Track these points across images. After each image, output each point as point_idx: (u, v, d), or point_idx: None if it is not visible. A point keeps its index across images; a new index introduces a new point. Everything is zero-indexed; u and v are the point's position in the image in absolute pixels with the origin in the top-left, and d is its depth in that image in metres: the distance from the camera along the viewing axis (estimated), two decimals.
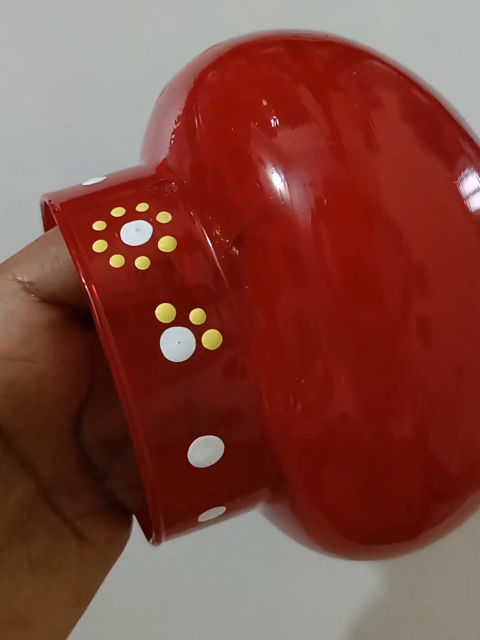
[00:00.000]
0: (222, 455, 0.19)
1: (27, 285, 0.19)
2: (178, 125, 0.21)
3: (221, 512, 0.20)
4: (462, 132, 0.19)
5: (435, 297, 0.18)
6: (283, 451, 0.19)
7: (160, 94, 0.23)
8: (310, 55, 0.20)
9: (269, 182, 0.18)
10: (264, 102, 0.19)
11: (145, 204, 0.19)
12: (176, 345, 0.18)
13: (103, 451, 0.21)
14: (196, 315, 0.18)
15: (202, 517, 0.20)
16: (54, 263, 0.20)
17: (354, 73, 0.19)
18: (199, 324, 0.18)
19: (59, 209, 0.19)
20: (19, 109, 0.35)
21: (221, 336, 0.18)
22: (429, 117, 0.19)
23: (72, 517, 0.21)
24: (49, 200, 0.20)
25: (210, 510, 0.20)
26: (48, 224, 0.23)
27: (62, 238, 0.19)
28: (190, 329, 0.18)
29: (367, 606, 0.36)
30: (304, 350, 0.18)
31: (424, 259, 0.18)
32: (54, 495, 0.21)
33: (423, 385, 0.18)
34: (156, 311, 0.18)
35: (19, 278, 0.20)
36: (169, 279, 0.18)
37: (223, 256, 0.18)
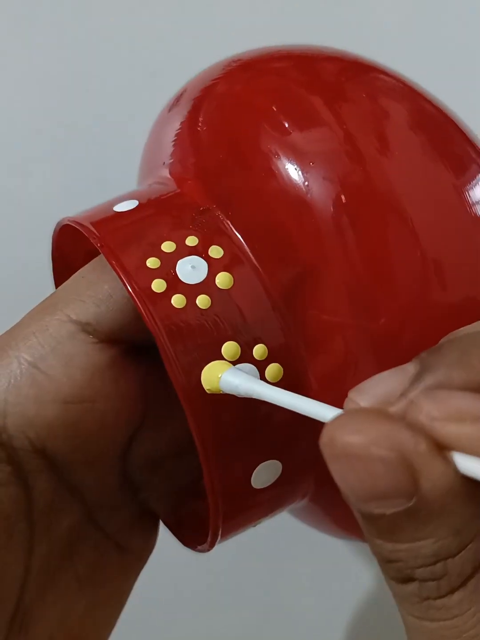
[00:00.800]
0: (279, 477, 0.20)
1: (85, 326, 0.19)
2: (180, 130, 0.21)
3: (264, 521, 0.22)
4: (470, 142, 0.20)
5: (450, 291, 0.19)
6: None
7: (160, 113, 0.23)
8: (318, 68, 0.21)
9: (285, 169, 0.19)
10: (276, 109, 0.20)
11: (194, 237, 0.19)
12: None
13: (145, 468, 0.22)
14: (259, 351, 0.19)
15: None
16: (109, 302, 0.20)
17: (362, 85, 0.20)
18: (262, 359, 0.19)
19: (107, 244, 0.19)
20: (19, 109, 0.34)
21: (282, 369, 0.19)
22: (438, 126, 0.20)
23: (113, 531, 0.22)
24: (91, 231, 0.20)
25: (259, 520, 0.21)
26: (59, 242, 0.23)
27: (111, 273, 0.19)
28: (254, 365, 0.19)
29: (367, 607, 0.37)
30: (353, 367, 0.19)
31: (438, 255, 0.19)
32: (98, 514, 0.21)
33: None
34: (222, 350, 0.18)
35: (75, 319, 0.19)
36: (231, 316, 0.19)
37: (279, 288, 0.19)
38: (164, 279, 0.19)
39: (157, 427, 0.21)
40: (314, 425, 0.19)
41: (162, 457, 0.22)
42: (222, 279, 0.19)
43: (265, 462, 0.19)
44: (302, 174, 0.19)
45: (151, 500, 0.23)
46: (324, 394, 0.19)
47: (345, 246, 0.18)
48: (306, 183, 0.19)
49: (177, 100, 0.23)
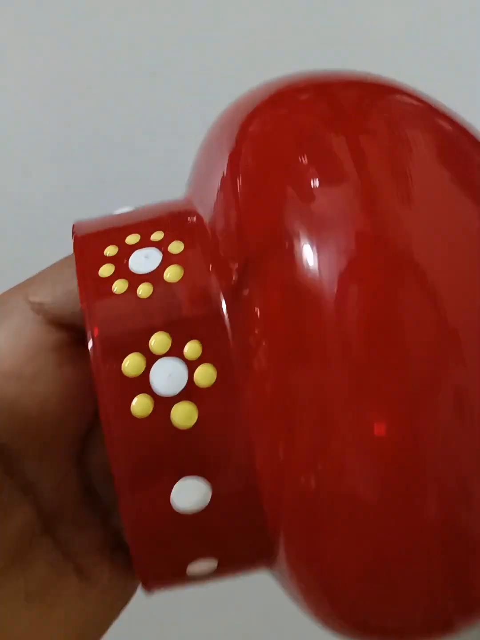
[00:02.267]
0: (209, 503, 0.17)
1: (36, 306, 0.19)
2: (222, 181, 0.20)
3: (213, 567, 0.19)
4: None
5: (471, 366, 0.16)
6: (276, 516, 0.18)
7: (206, 136, 0.23)
8: (340, 99, 0.20)
9: (302, 253, 0.17)
10: (301, 159, 0.18)
11: (161, 232, 0.19)
12: (167, 377, 0.17)
13: (108, 482, 0.20)
14: (192, 348, 0.17)
15: (192, 569, 0.19)
16: (66, 285, 0.19)
17: (383, 112, 0.19)
18: (194, 358, 0.17)
19: (76, 231, 0.19)
20: (19, 108, 0.35)
21: (216, 373, 0.17)
22: (460, 151, 0.18)
23: (74, 553, 0.20)
24: (73, 225, 0.20)
25: (198, 561, 0.19)
26: None
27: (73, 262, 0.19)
28: (184, 362, 0.17)
29: None
30: (311, 419, 0.17)
31: (460, 324, 0.16)
32: (56, 527, 0.20)
33: (455, 465, 0.16)
34: (151, 341, 0.17)
35: (31, 298, 0.20)
36: (168, 308, 0.18)
37: (233, 295, 0.18)
38: (114, 265, 0.18)
39: None
40: (248, 454, 0.17)
41: None
42: (172, 273, 0.18)
43: (187, 478, 0.17)
44: (317, 252, 0.17)
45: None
46: (258, 418, 0.17)
47: (347, 327, 0.16)
48: (319, 265, 0.17)
49: (220, 130, 0.22)
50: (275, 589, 0.34)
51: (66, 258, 0.21)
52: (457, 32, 0.35)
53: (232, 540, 0.18)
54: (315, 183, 0.17)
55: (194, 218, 0.19)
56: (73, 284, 0.19)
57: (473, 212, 0.17)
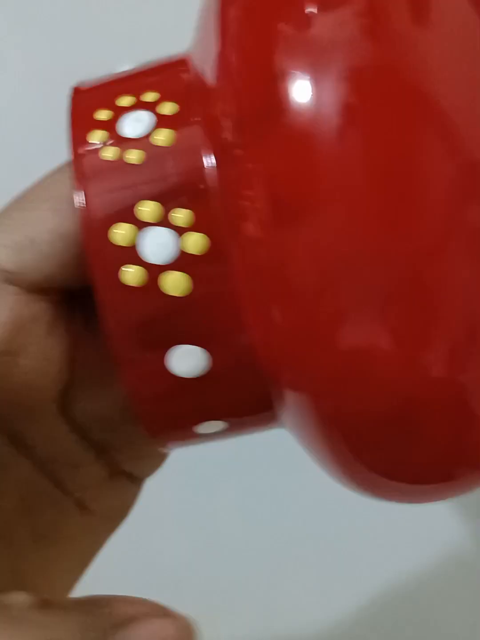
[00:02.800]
0: (209, 369, 0.18)
1: (8, 275, 0.18)
2: (214, 25, 0.18)
3: (222, 427, 0.19)
4: None
5: None
6: (280, 377, 0.18)
7: None
8: None
9: (296, 93, 0.15)
10: None
11: (155, 93, 0.18)
12: (156, 245, 0.17)
13: (98, 428, 0.21)
14: (182, 216, 0.17)
15: (200, 429, 0.19)
16: (32, 248, 0.18)
17: None
18: (185, 225, 0.17)
19: (74, 93, 0.19)
20: (19, 108, 0.34)
21: (207, 242, 0.17)
22: None
23: (74, 489, 0.21)
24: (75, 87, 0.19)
25: (205, 423, 0.19)
26: None
27: (31, 213, 0.18)
28: (174, 230, 0.17)
29: (368, 606, 0.35)
30: (311, 283, 0.16)
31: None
32: (54, 469, 0.21)
33: (469, 314, 0.16)
34: (141, 208, 0.17)
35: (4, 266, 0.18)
36: (159, 176, 0.17)
37: (224, 158, 0.17)
38: (106, 130, 0.18)
39: (92, 387, 0.20)
40: (242, 318, 0.17)
41: (113, 420, 0.21)
42: (164, 136, 0.17)
43: (183, 346, 0.17)
44: (315, 91, 0.15)
45: (122, 462, 0.22)
46: (250, 283, 0.17)
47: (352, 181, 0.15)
48: (317, 107, 0.15)
49: None
50: (275, 590, 0.35)
51: (16, 208, 0.19)
52: None
53: (236, 405, 0.19)
54: (312, 9, 0.16)
55: (190, 75, 0.18)
56: (39, 244, 0.18)
57: None
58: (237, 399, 0.19)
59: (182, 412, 0.19)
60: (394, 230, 0.15)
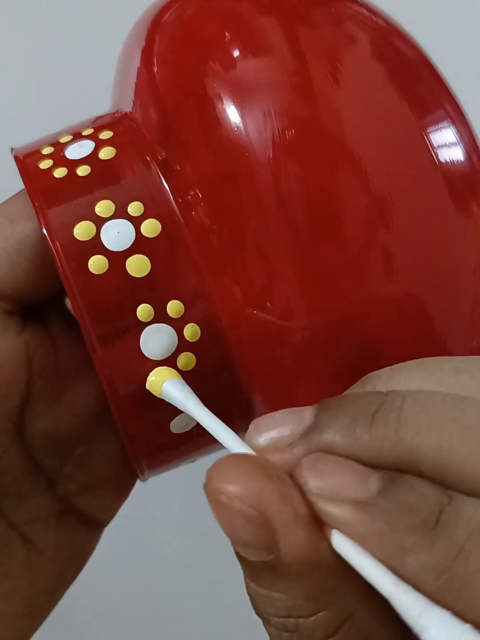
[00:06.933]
0: (177, 347, 0.19)
1: None
2: (138, 69, 0.21)
3: (193, 422, 0.20)
4: (443, 89, 0.19)
5: (397, 230, 0.18)
6: (239, 349, 0.19)
7: (123, 44, 0.23)
8: None
9: (226, 113, 0.18)
10: (225, 35, 0.19)
11: (90, 129, 0.21)
12: (116, 234, 0.19)
13: (50, 452, 0.21)
14: (134, 207, 0.19)
15: (175, 424, 0.20)
16: None
17: (330, 10, 0.19)
18: (137, 215, 0.19)
19: (16, 147, 0.21)
20: (19, 108, 0.36)
21: (160, 225, 0.19)
22: (408, 65, 0.19)
23: (20, 523, 0.20)
24: (12, 148, 0.22)
25: (180, 416, 0.20)
26: None
27: None
28: (129, 220, 0.19)
29: None
30: (255, 260, 0.18)
31: (387, 192, 0.18)
32: (0, 500, 0.20)
33: (383, 314, 0.18)
34: (96, 207, 0.19)
35: None
36: (108, 179, 0.19)
37: (165, 171, 0.19)
38: (52, 159, 0.20)
39: (49, 403, 0.20)
40: (203, 290, 0.19)
41: (66, 441, 0.21)
42: (106, 152, 0.20)
43: (152, 325, 0.19)
44: (242, 112, 0.18)
45: (71, 495, 0.21)
46: (205, 256, 0.19)
47: (282, 189, 0.18)
48: (245, 122, 0.18)
49: (135, 30, 0.23)
50: None
51: None
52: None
53: (206, 387, 0.20)
54: (237, 53, 0.19)
55: (118, 114, 0.21)
56: None
57: (407, 113, 0.18)
58: (209, 377, 0.20)
59: (157, 402, 0.19)
60: (318, 241, 0.18)
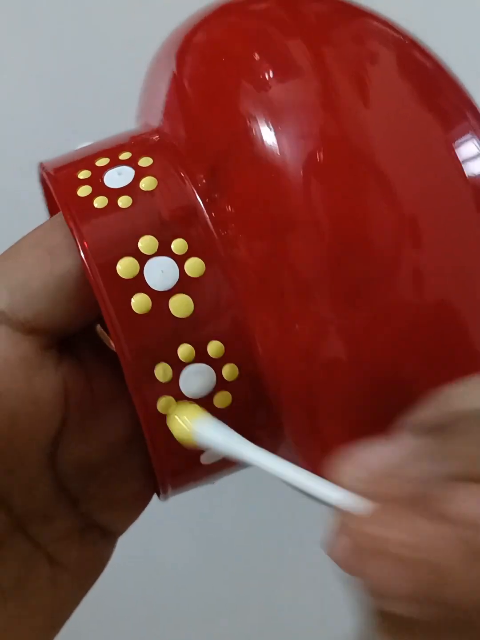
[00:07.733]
0: (215, 386, 0.19)
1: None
2: (169, 89, 0.21)
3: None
4: (464, 99, 0.19)
5: (427, 249, 0.18)
6: (276, 388, 0.19)
7: (151, 61, 0.23)
8: (304, 10, 0.20)
9: (260, 134, 0.18)
10: (255, 56, 0.19)
11: (128, 153, 0.20)
12: (160, 274, 0.18)
13: (79, 476, 0.20)
14: (178, 245, 0.19)
15: (205, 458, 0.20)
16: (24, 289, 0.19)
17: (351, 28, 0.20)
18: (181, 253, 0.19)
19: (46, 165, 0.20)
20: (19, 108, 0.35)
21: (204, 264, 0.19)
22: (430, 78, 0.19)
23: (45, 543, 0.20)
24: (41, 163, 0.21)
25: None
26: (50, 205, 0.24)
27: (26, 259, 0.19)
28: (173, 258, 0.18)
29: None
30: (293, 294, 0.18)
31: (416, 212, 0.18)
32: (27, 523, 0.20)
33: (415, 333, 0.18)
34: (139, 243, 0.18)
35: None
36: (151, 213, 0.19)
37: (205, 197, 0.19)
38: (90, 185, 0.19)
39: (82, 431, 0.20)
40: (245, 334, 0.19)
41: (95, 465, 0.21)
42: (147, 183, 0.19)
43: (192, 365, 0.19)
44: (276, 135, 0.18)
45: (94, 512, 0.21)
46: (250, 299, 0.19)
47: (315, 207, 0.18)
48: (280, 145, 0.18)
49: (164, 51, 0.23)
50: (274, 591, 0.35)
51: (7, 258, 0.20)
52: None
53: (240, 423, 0.20)
54: (270, 75, 0.19)
55: (156, 137, 0.21)
56: (32, 286, 0.19)
57: (434, 127, 0.19)
58: (242, 415, 0.20)
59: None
60: (349, 261, 0.18)
